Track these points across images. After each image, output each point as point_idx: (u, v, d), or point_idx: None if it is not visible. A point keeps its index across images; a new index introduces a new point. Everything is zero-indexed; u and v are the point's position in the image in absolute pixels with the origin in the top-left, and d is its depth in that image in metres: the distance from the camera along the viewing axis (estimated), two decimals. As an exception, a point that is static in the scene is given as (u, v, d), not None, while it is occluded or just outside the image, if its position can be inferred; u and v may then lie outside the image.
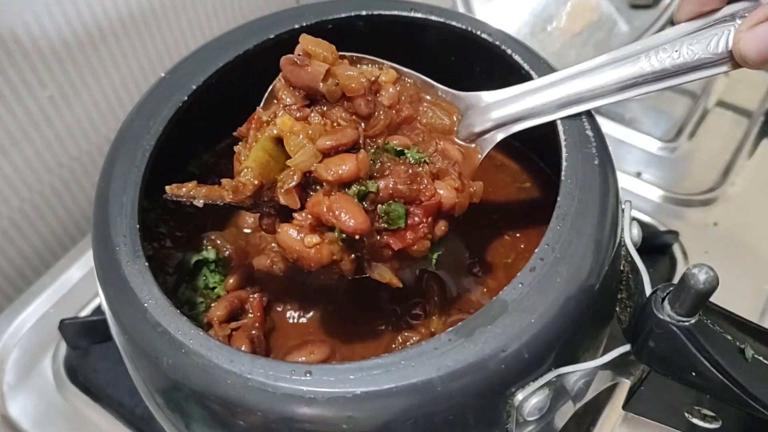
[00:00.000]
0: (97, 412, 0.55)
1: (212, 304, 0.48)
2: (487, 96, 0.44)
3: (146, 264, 0.39)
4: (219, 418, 0.37)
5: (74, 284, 0.64)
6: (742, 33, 0.36)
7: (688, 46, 0.39)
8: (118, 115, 0.71)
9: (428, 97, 0.45)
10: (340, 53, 0.42)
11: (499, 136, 0.44)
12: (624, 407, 0.41)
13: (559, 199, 0.39)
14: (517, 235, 0.53)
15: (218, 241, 0.50)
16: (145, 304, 0.38)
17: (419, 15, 0.50)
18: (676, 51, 0.39)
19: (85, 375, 0.58)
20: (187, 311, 0.47)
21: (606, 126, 0.73)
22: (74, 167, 0.70)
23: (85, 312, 0.62)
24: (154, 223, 0.52)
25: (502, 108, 0.44)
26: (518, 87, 0.44)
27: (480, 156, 0.44)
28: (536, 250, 0.38)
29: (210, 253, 0.50)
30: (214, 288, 0.49)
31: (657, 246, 0.61)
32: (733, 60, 0.37)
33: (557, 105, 0.42)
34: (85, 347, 0.58)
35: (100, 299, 0.42)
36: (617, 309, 0.42)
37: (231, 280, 0.49)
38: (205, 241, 0.50)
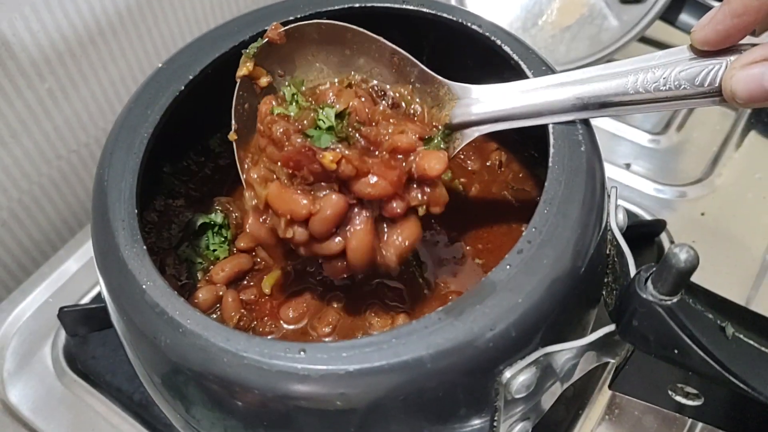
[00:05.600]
0: (96, 398, 0.56)
1: (210, 267, 0.50)
2: (475, 90, 0.45)
3: (144, 247, 0.40)
4: (216, 397, 0.38)
5: (73, 274, 0.65)
6: (735, 70, 0.36)
7: (677, 73, 0.39)
8: (116, 108, 0.72)
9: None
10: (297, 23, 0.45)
11: (476, 132, 0.45)
12: (610, 386, 0.42)
13: (546, 184, 0.41)
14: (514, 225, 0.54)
15: (229, 206, 0.52)
16: (143, 286, 0.38)
17: (411, 7, 0.51)
18: (664, 77, 0.39)
19: (84, 362, 0.59)
20: (185, 269, 0.50)
21: (596, 119, 0.74)
22: (72, 159, 0.71)
23: (84, 301, 0.63)
24: (171, 181, 0.55)
25: (484, 105, 0.44)
26: (504, 86, 0.44)
27: (453, 149, 0.45)
28: (523, 233, 0.39)
29: (218, 217, 0.52)
30: (215, 250, 0.51)
31: (645, 235, 0.63)
32: (719, 95, 0.38)
33: (536, 111, 0.43)
34: (84, 335, 0.59)
35: (99, 283, 0.43)
36: (604, 293, 0.43)
37: (242, 243, 0.51)
38: (216, 205, 0.53)
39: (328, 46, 0.46)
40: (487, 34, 0.49)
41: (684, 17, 0.75)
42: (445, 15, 0.50)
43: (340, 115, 0.42)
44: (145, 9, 0.70)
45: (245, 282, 0.50)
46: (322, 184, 0.41)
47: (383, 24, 0.51)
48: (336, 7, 0.51)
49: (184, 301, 0.38)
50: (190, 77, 0.48)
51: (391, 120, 0.44)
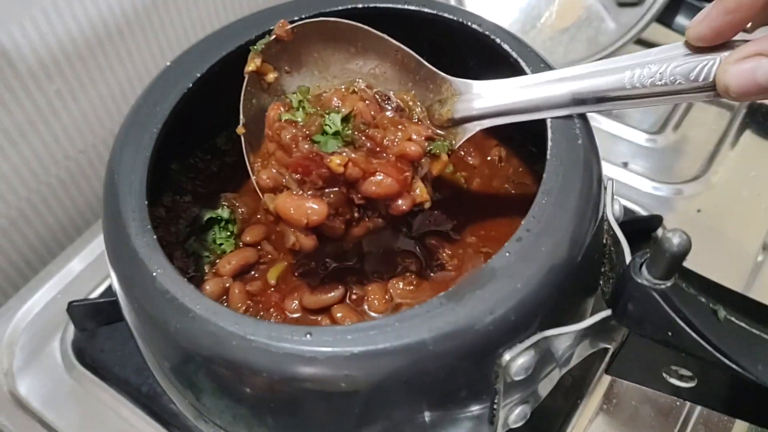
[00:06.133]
0: (105, 391, 0.58)
1: (216, 260, 0.52)
2: (476, 86, 0.46)
3: (154, 237, 0.41)
4: (225, 380, 0.39)
5: (80, 271, 0.66)
6: (728, 65, 0.37)
7: (673, 68, 0.40)
8: (123, 110, 0.74)
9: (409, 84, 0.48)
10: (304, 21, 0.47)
11: (477, 127, 0.46)
12: (606, 371, 0.43)
13: (544, 175, 0.42)
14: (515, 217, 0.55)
15: (235, 202, 0.54)
16: (154, 273, 0.40)
17: (412, 7, 0.52)
18: (660, 73, 0.40)
19: (92, 355, 0.60)
20: (192, 262, 0.51)
21: (594, 119, 0.75)
22: (80, 159, 0.72)
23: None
24: (179, 178, 0.57)
25: (485, 100, 0.46)
26: (504, 82, 0.46)
27: (455, 143, 0.47)
28: (522, 222, 0.40)
29: (224, 212, 0.54)
30: (221, 244, 0.52)
31: (642, 230, 0.64)
32: (713, 89, 0.39)
33: (535, 106, 0.44)
34: (93, 329, 0.60)
35: (110, 273, 0.44)
36: (601, 282, 0.45)
37: (248, 237, 0.53)
38: (222, 200, 0.55)
39: (333, 43, 0.48)
40: (486, 32, 0.50)
41: (680, 19, 0.77)
42: (445, 15, 0.52)
43: (345, 119, 0.44)
44: (152, 12, 0.72)
45: (251, 274, 0.52)
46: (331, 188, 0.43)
47: (385, 23, 0.53)
48: (339, 8, 0.52)
49: (194, 287, 0.39)
50: (198, 75, 0.49)
51: (399, 126, 0.45)
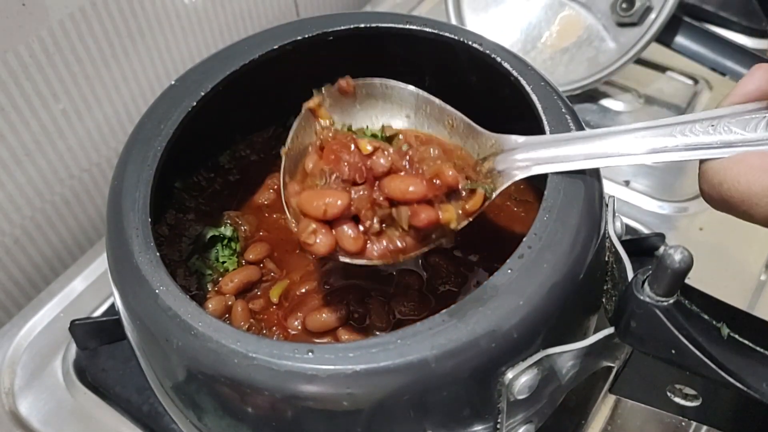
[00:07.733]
0: (105, 410, 0.57)
1: (219, 278, 0.52)
2: (517, 139, 0.45)
3: (157, 254, 0.41)
4: (227, 398, 0.39)
5: (82, 291, 0.66)
6: None
7: (725, 124, 0.38)
8: (127, 129, 0.74)
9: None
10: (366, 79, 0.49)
11: (519, 174, 0.44)
12: (610, 390, 0.43)
13: (546, 192, 0.42)
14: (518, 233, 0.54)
15: (237, 220, 0.55)
16: (157, 291, 0.40)
17: (414, 27, 0.53)
18: (712, 126, 0.38)
19: (93, 375, 0.60)
20: (195, 280, 0.51)
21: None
22: (84, 178, 0.72)
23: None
24: (182, 196, 0.57)
25: (528, 152, 0.44)
26: (551, 137, 0.44)
27: (495, 192, 0.45)
28: (524, 239, 0.40)
29: (227, 230, 0.54)
30: (224, 262, 0.52)
31: (644, 249, 0.64)
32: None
33: (582, 156, 0.42)
34: (95, 348, 0.60)
35: (113, 291, 0.44)
36: (603, 300, 0.44)
37: (251, 255, 0.53)
38: (225, 218, 0.55)
39: (390, 107, 0.49)
40: (487, 51, 0.51)
41: (679, 39, 0.77)
42: (446, 34, 0.52)
43: (388, 139, 0.46)
44: (157, 32, 0.73)
45: (254, 292, 0.52)
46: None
47: (387, 43, 0.54)
48: (342, 27, 0.53)
49: (196, 305, 0.39)
50: (202, 94, 0.49)
51: (439, 162, 0.44)
